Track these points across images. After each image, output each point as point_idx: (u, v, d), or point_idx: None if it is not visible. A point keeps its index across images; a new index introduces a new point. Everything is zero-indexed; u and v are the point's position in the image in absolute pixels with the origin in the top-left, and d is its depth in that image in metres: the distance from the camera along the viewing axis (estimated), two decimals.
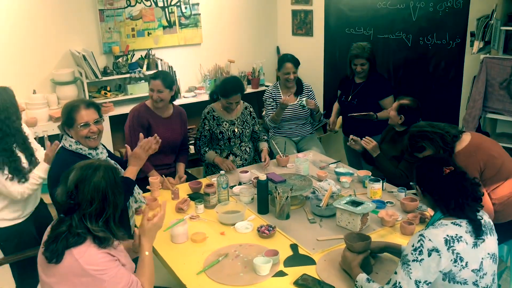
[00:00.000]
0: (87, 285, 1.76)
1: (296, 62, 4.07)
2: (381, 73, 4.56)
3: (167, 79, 3.37)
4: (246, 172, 3.23)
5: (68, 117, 2.48)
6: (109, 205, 1.82)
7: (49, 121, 4.32)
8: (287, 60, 4.05)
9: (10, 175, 2.60)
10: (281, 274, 2.17)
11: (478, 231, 1.86)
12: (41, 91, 4.45)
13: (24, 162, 2.70)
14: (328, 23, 5.15)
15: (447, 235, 1.81)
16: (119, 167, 2.54)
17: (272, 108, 4.14)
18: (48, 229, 1.87)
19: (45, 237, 1.84)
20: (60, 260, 1.74)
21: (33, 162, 2.76)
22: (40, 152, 2.89)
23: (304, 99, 3.99)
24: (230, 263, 2.26)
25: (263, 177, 2.75)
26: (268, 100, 4.17)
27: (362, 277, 1.99)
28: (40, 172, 2.71)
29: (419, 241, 1.82)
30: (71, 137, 2.50)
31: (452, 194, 1.90)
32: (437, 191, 1.94)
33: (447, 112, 4.24)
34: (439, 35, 4.18)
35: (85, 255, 1.75)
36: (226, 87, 3.48)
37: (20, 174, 2.64)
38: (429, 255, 1.79)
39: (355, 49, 3.87)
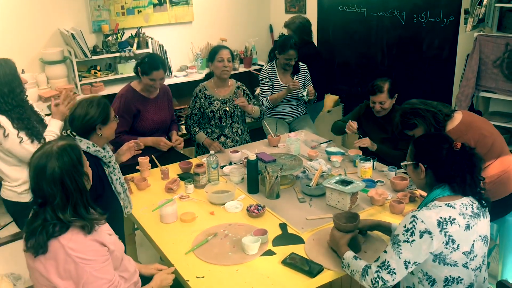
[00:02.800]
0: (68, 274, 1.71)
1: (298, 48, 4.00)
2: (376, 52, 4.52)
3: (165, 65, 3.33)
4: (237, 152, 3.21)
5: (105, 114, 2.39)
6: (71, 192, 1.73)
7: (38, 101, 4.27)
8: (290, 47, 3.92)
9: (29, 139, 2.63)
10: (269, 253, 2.16)
11: (484, 207, 1.90)
12: (30, 71, 4.39)
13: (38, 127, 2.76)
14: (321, 0, 5.08)
15: (441, 217, 1.79)
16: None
17: (269, 89, 4.08)
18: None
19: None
20: (45, 251, 1.70)
21: (45, 126, 2.83)
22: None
23: (307, 89, 3.89)
24: (219, 242, 2.26)
25: (253, 156, 2.73)
26: (265, 80, 4.10)
27: (349, 254, 1.98)
28: (54, 128, 2.74)
29: (411, 222, 1.81)
30: (87, 139, 2.35)
31: (463, 169, 1.87)
32: (447, 167, 1.88)
33: (440, 90, 4.21)
34: (433, 12, 4.12)
35: (71, 241, 1.71)
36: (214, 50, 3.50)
37: (38, 136, 2.68)
38: (421, 236, 1.78)
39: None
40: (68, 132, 2.32)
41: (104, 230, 1.87)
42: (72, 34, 4.24)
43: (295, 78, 4.05)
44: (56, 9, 4.47)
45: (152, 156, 3.17)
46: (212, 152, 2.93)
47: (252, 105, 3.56)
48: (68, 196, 1.73)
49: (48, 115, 3.05)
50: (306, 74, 4.13)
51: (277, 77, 4.06)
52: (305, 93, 3.89)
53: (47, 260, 1.71)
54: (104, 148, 2.40)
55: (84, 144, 2.28)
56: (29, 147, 2.61)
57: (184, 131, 3.99)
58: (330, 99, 5.10)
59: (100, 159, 2.36)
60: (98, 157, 2.34)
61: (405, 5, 4.30)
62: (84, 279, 1.71)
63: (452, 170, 1.88)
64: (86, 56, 4.36)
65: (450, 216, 1.80)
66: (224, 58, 3.45)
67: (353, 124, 3.23)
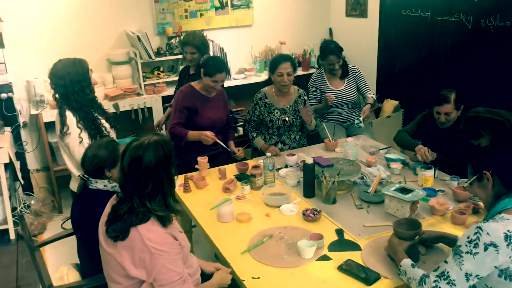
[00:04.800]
0: (142, 262, 1.80)
1: (339, 51, 3.96)
2: (438, 58, 4.37)
3: (227, 68, 3.40)
4: (293, 155, 3.21)
5: (114, 156, 2.39)
6: (163, 183, 1.84)
7: (104, 100, 4.46)
8: (330, 53, 3.92)
9: (89, 141, 2.76)
10: (325, 258, 2.16)
11: None
12: (97, 71, 4.60)
13: (107, 126, 2.89)
14: (383, 4, 4.98)
15: (508, 231, 1.71)
16: None
17: (315, 97, 4.08)
18: (108, 209, 1.93)
19: (105, 217, 1.89)
20: (126, 237, 1.80)
21: (113, 124, 2.97)
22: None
23: (361, 118, 3.77)
24: (275, 244, 2.27)
25: (309, 160, 2.73)
26: (311, 89, 4.11)
27: (406, 262, 1.94)
28: None
29: (475, 233, 1.74)
30: (105, 178, 2.39)
31: None
32: None
33: (510, 98, 4.02)
34: (503, 16, 3.93)
35: (150, 232, 1.80)
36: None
37: (101, 137, 2.79)
38: (485, 249, 1.71)
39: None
40: (82, 175, 2.35)
41: (176, 227, 1.97)
42: (138, 36, 4.41)
43: (346, 82, 4.03)
44: (123, 12, 4.67)
45: (219, 141, 3.29)
46: (269, 154, 2.95)
47: (312, 117, 3.56)
48: (160, 186, 1.83)
49: (114, 113, 3.22)
50: (356, 75, 4.07)
51: (325, 82, 4.05)
52: (361, 121, 3.77)
53: (124, 247, 1.81)
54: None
55: (100, 184, 2.33)
56: None
57: (241, 133, 4.04)
58: (390, 104, 4.99)
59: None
60: (117, 192, 2.32)
61: (472, 8, 4.13)
62: (157, 269, 1.80)
63: None
64: (150, 57, 4.51)
65: None
66: (284, 73, 3.43)
67: (428, 155, 2.96)
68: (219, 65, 3.36)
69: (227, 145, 3.50)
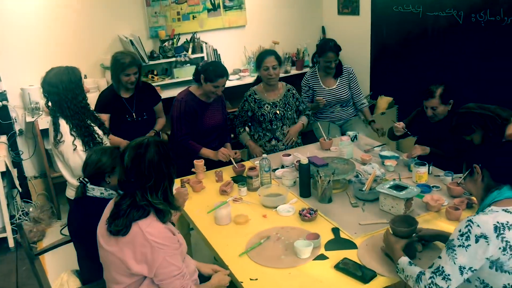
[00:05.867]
0: (143, 257, 1.85)
1: (338, 50, 3.99)
2: (431, 53, 4.40)
3: (228, 72, 3.41)
4: (289, 155, 3.24)
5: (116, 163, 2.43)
6: (164, 177, 1.92)
7: None
8: (329, 50, 3.94)
9: (83, 148, 2.79)
10: (322, 257, 2.18)
11: None
12: (91, 76, 4.62)
13: (100, 133, 2.91)
14: (375, 1, 5.00)
15: (497, 222, 1.75)
16: None
17: (307, 96, 4.12)
18: (110, 206, 1.98)
19: (107, 214, 1.95)
20: (127, 232, 1.85)
21: (106, 130, 3.00)
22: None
23: (355, 133, 3.67)
24: (272, 245, 2.30)
25: (305, 160, 2.75)
26: (304, 87, 4.15)
27: (404, 260, 1.96)
28: None
29: (466, 226, 1.77)
30: (104, 185, 2.39)
31: None
32: (501, 158, 1.86)
33: (501, 92, 4.05)
34: (493, 11, 3.96)
35: (150, 227, 1.86)
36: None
37: (95, 145, 2.81)
38: (477, 241, 1.74)
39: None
40: (81, 179, 2.37)
41: (174, 228, 2.02)
42: (131, 40, 4.42)
43: (338, 81, 4.06)
44: (115, 17, 4.67)
45: (231, 159, 3.29)
46: (265, 155, 2.97)
47: (301, 123, 3.65)
48: (162, 180, 1.91)
49: None
50: (350, 76, 4.10)
51: (318, 81, 4.08)
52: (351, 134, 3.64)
53: (125, 243, 1.86)
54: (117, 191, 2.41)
55: (97, 191, 2.35)
56: (82, 155, 2.75)
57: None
58: (384, 101, 5.02)
59: None
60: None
61: (463, 4, 4.16)
62: (158, 263, 1.85)
63: (507, 162, 1.84)
64: (144, 61, 4.51)
65: (507, 222, 1.75)
66: (269, 66, 3.49)
67: (398, 125, 3.27)
68: (220, 70, 3.35)
69: (224, 146, 3.54)
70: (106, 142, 2.97)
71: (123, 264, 1.87)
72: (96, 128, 2.91)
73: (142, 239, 1.84)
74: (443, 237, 2.17)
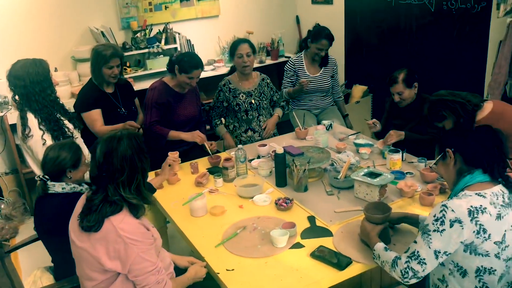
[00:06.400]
0: (117, 254, 1.82)
1: (332, 40, 3.97)
2: (404, 41, 4.43)
3: (203, 63, 3.35)
4: (265, 145, 3.23)
5: (76, 157, 2.39)
6: (138, 171, 1.88)
7: (71, 98, 4.37)
8: (325, 37, 3.90)
9: (53, 142, 2.71)
10: (298, 246, 2.18)
11: None
12: (62, 69, 4.51)
13: (70, 127, 2.85)
14: None
15: (471, 206, 1.78)
16: None
17: (291, 81, 4.09)
18: (82, 201, 1.94)
19: (79, 209, 1.90)
20: (100, 228, 1.81)
21: (76, 124, 2.96)
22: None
23: (330, 122, 3.64)
24: (248, 235, 2.29)
25: (280, 150, 2.74)
26: (288, 72, 4.12)
27: (380, 246, 1.98)
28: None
29: (441, 211, 1.79)
30: (64, 180, 2.35)
31: (489, 145, 1.86)
32: (474, 143, 1.88)
33: (472, 78, 4.11)
34: None
35: (122, 222, 1.83)
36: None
37: (64, 139, 2.76)
38: (451, 225, 1.76)
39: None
40: (41, 176, 2.31)
41: (148, 222, 1.99)
42: (102, 32, 4.33)
43: (322, 70, 4.06)
44: (85, 8, 4.57)
45: (205, 143, 3.26)
46: (240, 146, 2.96)
47: (277, 115, 3.66)
48: (134, 174, 1.87)
49: None
50: (334, 68, 4.11)
51: (303, 67, 4.06)
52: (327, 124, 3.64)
53: (98, 240, 1.82)
54: (79, 184, 2.39)
55: (58, 187, 2.30)
56: None
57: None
58: (358, 90, 5.05)
59: (79, 194, 2.30)
60: (76, 192, 2.33)
61: None
62: (132, 259, 1.82)
63: (479, 146, 1.87)
64: None
65: (481, 205, 1.78)
66: (243, 54, 3.47)
67: (369, 122, 3.35)
68: (195, 61, 3.30)
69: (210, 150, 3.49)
70: (77, 136, 2.91)
71: (96, 261, 1.84)
72: (66, 122, 2.85)
73: (115, 236, 1.81)
74: (409, 219, 2.21)
